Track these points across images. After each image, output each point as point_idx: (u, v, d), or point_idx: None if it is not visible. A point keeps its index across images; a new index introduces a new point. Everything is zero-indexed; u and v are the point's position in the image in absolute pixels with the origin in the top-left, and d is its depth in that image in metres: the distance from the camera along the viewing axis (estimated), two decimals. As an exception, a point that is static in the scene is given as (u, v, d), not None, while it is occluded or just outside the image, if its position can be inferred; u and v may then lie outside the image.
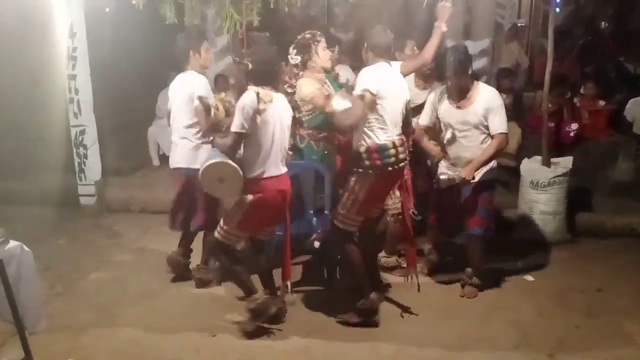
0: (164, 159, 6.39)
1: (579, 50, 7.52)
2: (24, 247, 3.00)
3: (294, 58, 3.54)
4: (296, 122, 3.47)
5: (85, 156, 5.02)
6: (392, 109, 3.08)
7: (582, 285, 3.69)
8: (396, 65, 3.26)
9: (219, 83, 5.56)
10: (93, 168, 5.09)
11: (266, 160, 2.99)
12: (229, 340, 3.13)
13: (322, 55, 3.52)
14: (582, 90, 5.95)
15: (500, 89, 4.31)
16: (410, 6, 5.96)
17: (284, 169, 3.12)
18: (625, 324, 3.23)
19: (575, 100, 5.88)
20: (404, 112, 3.20)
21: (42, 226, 4.83)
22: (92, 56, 5.00)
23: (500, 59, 6.93)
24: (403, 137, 3.18)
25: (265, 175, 3.01)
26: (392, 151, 3.07)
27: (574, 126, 5.47)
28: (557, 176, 4.32)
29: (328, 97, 3.39)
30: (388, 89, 3.05)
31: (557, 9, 5.88)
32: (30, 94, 5.73)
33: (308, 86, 3.46)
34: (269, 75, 3.04)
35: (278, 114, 3.01)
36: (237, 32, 4.73)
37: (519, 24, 7.54)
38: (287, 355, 3.01)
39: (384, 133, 3.07)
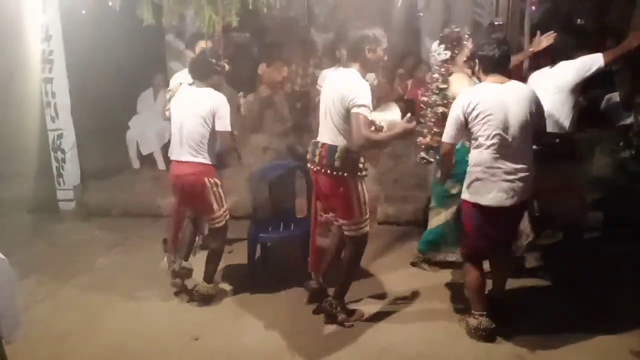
0: (145, 161, 6.36)
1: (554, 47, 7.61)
2: (-1, 254, 2.94)
3: (443, 53, 3.54)
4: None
5: (64, 160, 4.94)
6: None
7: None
8: None
9: None
10: (71, 172, 5.01)
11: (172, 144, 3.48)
12: (213, 343, 3.11)
13: (466, 51, 3.50)
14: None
15: None
16: (389, 6, 6.00)
17: (184, 157, 3.38)
18: None
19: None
20: None
21: (21, 232, 4.76)
22: (68, 59, 4.92)
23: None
24: None
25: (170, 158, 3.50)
26: None
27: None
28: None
29: None
30: None
31: (533, 7, 5.95)
32: (5, 99, 5.63)
33: (462, 83, 3.44)
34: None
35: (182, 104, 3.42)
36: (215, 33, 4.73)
37: (496, 22, 7.61)
38: (270, 356, 3.01)
39: None
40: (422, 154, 3.67)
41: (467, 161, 2.99)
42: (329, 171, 3.00)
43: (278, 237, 3.86)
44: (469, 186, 2.96)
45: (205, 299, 3.53)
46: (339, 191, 3.03)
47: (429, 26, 6.85)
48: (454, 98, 3.21)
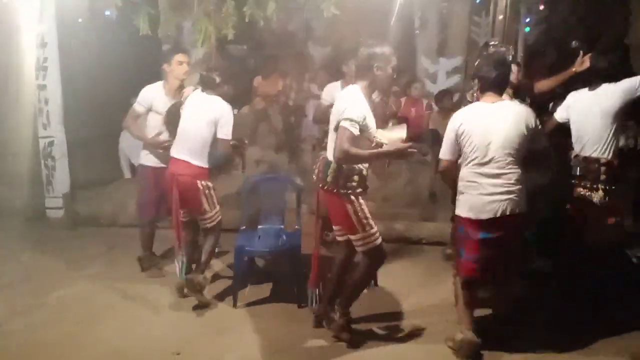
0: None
1: (550, 68, 7.67)
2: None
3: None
4: None
5: (54, 168, 4.92)
6: None
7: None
8: None
9: None
10: (61, 180, 4.98)
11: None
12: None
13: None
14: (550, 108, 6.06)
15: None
16: (385, 23, 6.03)
17: (183, 157, 3.54)
18: None
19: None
20: None
21: (8, 240, 4.70)
22: (64, 67, 4.92)
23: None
24: None
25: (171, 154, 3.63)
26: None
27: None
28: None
29: None
30: None
31: (527, 29, 6.02)
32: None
33: None
34: None
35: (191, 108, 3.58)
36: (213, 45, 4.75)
37: (491, 43, 7.67)
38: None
39: None
40: None
41: None
42: (321, 185, 3.03)
43: (266, 251, 3.82)
44: (457, 200, 3.02)
45: (195, 288, 3.56)
46: (334, 206, 3.04)
47: (424, 44, 6.91)
48: None
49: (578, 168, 3.53)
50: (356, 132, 2.85)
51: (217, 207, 3.66)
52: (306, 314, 3.43)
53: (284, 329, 3.33)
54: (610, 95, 3.48)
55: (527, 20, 6.15)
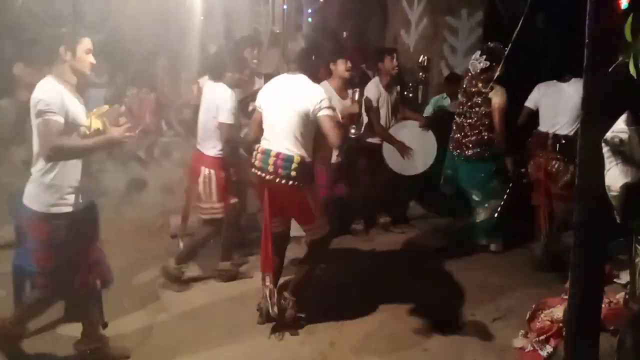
0: None
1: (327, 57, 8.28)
2: None
3: (484, 62, 4.17)
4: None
5: None
6: None
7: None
8: None
9: None
10: None
11: None
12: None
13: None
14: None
15: None
16: (167, 10, 5.72)
17: (196, 145, 3.77)
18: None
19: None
20: None
21: None
22: None
23: (262, 64, 7.21)
24: None
25: None
26: None
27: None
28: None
29: None
30: None
31: (310, 19, 6.38)
32: None
33: (504, 95, 4.22)
34: None
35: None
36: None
37: (276, 31, 7.95)
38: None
39: None
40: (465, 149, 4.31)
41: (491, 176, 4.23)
42: (283, 181, 3.02)
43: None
44: None
45: (170, 278, 3.77)
46: (296, 200, 3.11)
47: (209, 31, 6.79)
48: (496, 102, 4.16)
49: (551, 144, 4.09)
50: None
51: (215, 200, 3.67)
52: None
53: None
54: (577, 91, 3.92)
55: (309, 11, 6.52)
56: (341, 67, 4.21)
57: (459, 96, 4.45)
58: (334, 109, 3.10)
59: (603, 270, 2.29)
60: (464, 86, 4.40)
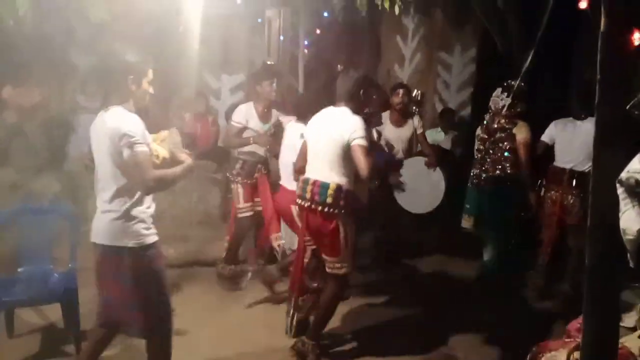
0: None
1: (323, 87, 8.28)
2: None
3: (505, 99, 4.20)
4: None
5: None
6: None
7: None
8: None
9: None
10: None
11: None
12: None
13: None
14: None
15: None
16: (164, 34, 5.68)
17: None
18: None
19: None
20: None
21: None
22: None
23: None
24: None
25: None
26: None
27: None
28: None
29: None
30: None
31: (306, 51, 6.38)
32: None
33: (529, 131, 4.26)
34: None
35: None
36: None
37: (268, 62, 7.96)
38: None
39: None
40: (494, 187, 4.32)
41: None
42: (319, 208, 3.09)
43: (29, 300, 3.14)
44: None
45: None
46: (328, 227, 3.12)
47: (207, 59, 6.75)
48: (522, 138, 4.21)
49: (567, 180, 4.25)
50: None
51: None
52: None
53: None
54: (591, 130, 4.03)
55: (306, 42, 6.53)
56: (267, 89, 4.10)
57: (479, 132, 4.48)
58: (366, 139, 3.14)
59: (618, 318, 2.18)
60: (485, 122, 4.43)
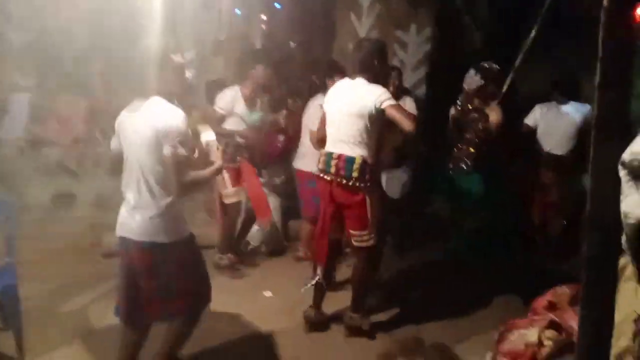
0: None
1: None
2: None
3: (479, 80, 4.19)
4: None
5: None
6: None
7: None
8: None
9: None
10: None
11: None
12: None
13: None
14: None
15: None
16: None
17: None
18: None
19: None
20: None
21: None
22: None
23: (207, 71, 6.86)
24: None
25: None
26: None
27: (281, 137, 5.73)
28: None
29: None
30: None
31: (263, 26, 6.13)
32: None
33: (500, 112, 4.23)
34: None
35: None
36: None
37: (220, 39, 7.61)
38: None
39: None
40: (463, 164, 4.32)
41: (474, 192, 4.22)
42: (344, 181, 3.10)
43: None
44: None
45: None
46: (354, 201, 3.14)
47: (151, 38, 6.32)
48: (493, 120, 4.21)
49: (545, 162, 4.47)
50: None
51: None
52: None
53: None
54: (573, 115, 4.25)
55: (264, 18, 6.24)
56: (261, 73, 4.06)
57: (452, 112, 4.48)
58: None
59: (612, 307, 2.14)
60: (458, 103, 4.37)
